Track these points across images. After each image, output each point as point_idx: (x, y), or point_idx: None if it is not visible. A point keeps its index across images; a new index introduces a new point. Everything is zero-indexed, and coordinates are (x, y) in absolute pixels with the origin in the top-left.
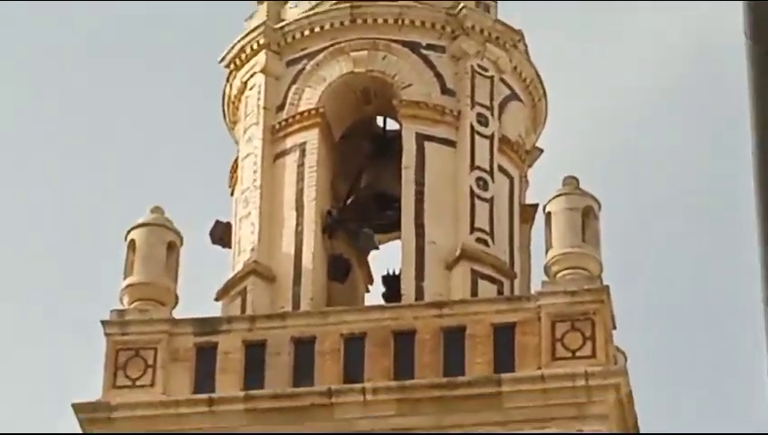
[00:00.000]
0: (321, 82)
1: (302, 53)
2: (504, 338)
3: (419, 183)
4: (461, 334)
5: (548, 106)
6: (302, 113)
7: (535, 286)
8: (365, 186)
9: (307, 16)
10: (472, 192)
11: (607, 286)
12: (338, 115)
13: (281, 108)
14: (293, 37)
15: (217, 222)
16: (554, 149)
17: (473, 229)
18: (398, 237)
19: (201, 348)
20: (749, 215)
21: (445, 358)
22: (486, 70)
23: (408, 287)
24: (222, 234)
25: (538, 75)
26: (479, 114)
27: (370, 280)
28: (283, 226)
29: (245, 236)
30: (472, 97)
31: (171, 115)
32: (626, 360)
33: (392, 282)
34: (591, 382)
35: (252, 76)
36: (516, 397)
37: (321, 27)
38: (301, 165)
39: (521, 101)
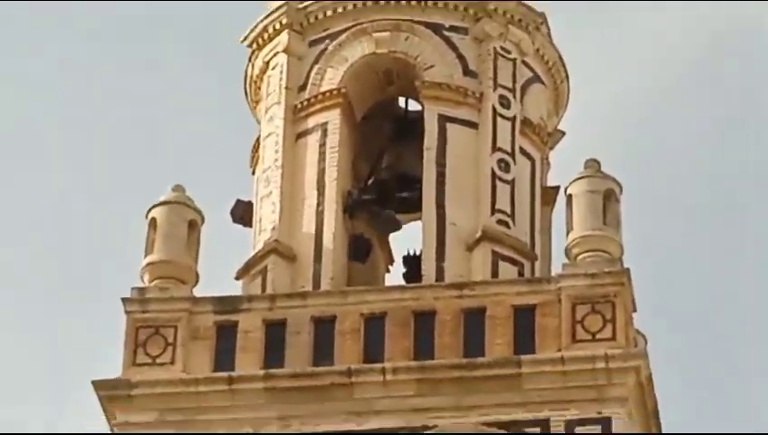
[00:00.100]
0: (343, 62)
1: (324, 34)
2: (524, 320)
3: (441, 164)
4: (481, 316)
5: (570, 89)
6: (323, 93)
7: (556, 269)
8: (386, 166)
9: None
10: (493, 174)
11: (627, 269)
12: (360, 96)
13: (303, 88)
14: (316, 17)
15: (238, 201)
16: (576, 132)
17: (494, 211)
18: (419, 218)
19: (221, 326)
20: None
21: (465, 339)
22: (509, 52)
23: (428, 268)
24: (243, 213)
25: (560, 58)
26: (501, 96)
27: (391, 260)
28: (303, 205)
29: (266, 215)
30: (494, 79)
31: (193, 94)
32: (646, 343)
33: (413, 262)
34: (611, 365)
35: (274, 56)
36: (536, 379)
37: (344, 8)
38: (322, 145)
39: (543, 83)
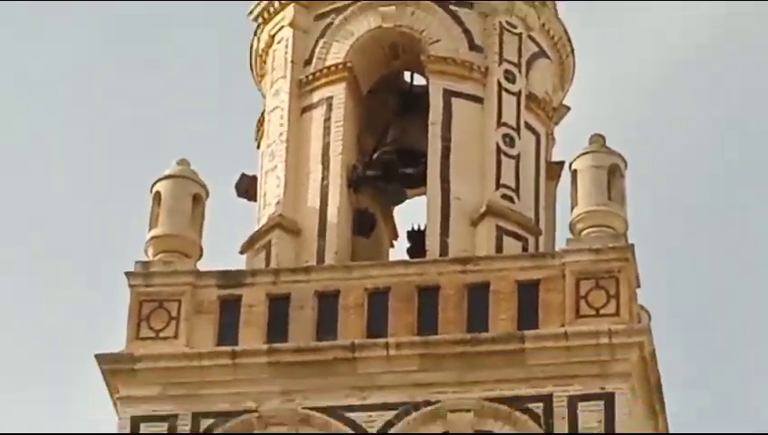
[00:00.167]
0: (348, 36)
1: (330, 8)
2: (527, 295)
3: (446, 139)
4: (485, 291)
5: (575, 64)
6: (329, 68)
7: (560, 244)
8: (391, 141)
9: None
10: (498, 149)
11: (632, 245)
12: (365, 70)
13: (308, 62)
14: None
15: (243, 175)
16: (581, 107)
17: (498, 186)
18: (424, 193)
19: (225, 301)
20: None
21: (468, 314)
22: (515, 26)
23: (432, 243)
24: (247, 187)
25: (566, 33)
26: (506, 71)
27: (395, 235)
28: (308, 180)
29: (271, 189)
30: (500, 53)
31: (198, 68)
32: (650, 318)
33: (417, 237)
34: (615, 340)
35: (279, 30)
36: (539, 354)
37: None
38: (327, 119)
39: (548, 58)
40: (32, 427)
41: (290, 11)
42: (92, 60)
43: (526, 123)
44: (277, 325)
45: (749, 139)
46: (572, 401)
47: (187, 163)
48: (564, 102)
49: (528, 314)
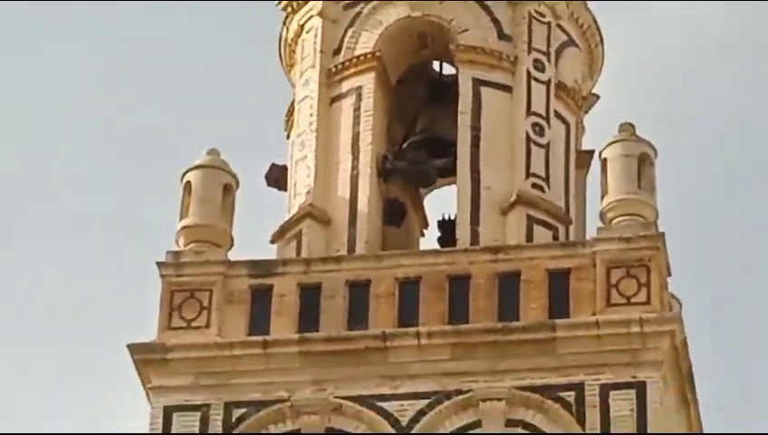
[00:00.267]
0: (377, 25)
1: None
2: (558, 284)
3: (475, 128)
4: (516, 280)
5: (605, 52)
6: (358, 57)
7: (590, 233)
8: (421, 130)
9: None
10: (528, 138)
11: (662, 233)
12: (394, 59)
13: (337, 51)
14: None
15: (273, 165)
16: (611, 96)
17: (528, 175)
18: (454, 182)
19: (256, 290)
20: None
21: (499, 303)
22: (544, 15)
23: (463, 232)
24: (278, 177)
25: (595, 21)
26: (536, 60)
27: (425, 224)
28: (338, 169)
29: (301, 179)
30: (529, 43)
31: (228, 58)
32: (681, 307)
33: (447, 227)
34: (646, 329)
35: (309, 19)
36: (570, 343)
37: None
38: (357, 109)
39: (577, 47)
40: (64, 417)
41: (319, 1)
42: (124, 50)
43: (556, 112)
44: (308, 315)
45: None
46: (604, 390)
47: (217, 153)
48: (594, 91)
49: (559, 303)
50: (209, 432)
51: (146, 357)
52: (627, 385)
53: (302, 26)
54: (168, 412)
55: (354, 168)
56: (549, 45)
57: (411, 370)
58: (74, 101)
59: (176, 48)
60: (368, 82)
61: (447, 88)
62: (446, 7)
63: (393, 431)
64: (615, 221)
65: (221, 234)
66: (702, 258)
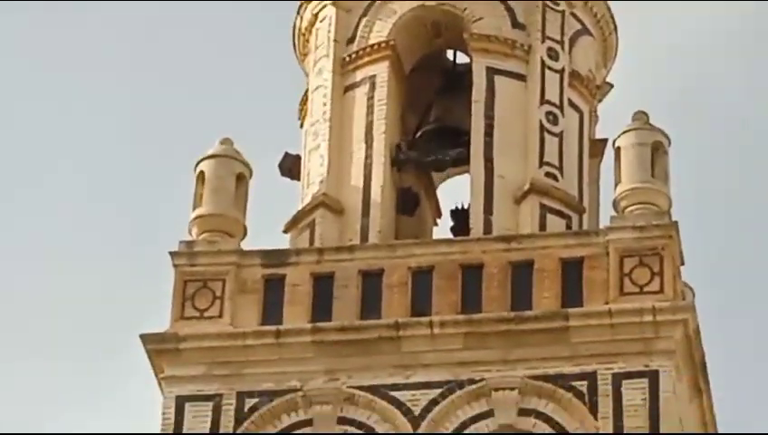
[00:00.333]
0: (391, 14)
1: None
2: (571, 273)
3: (489, 117)
4: (529, 269)
5: (618, 41)
6: (372, 46)
7: (604, 221)
8: (434, 119)
9: None
10: (541, 126)
11: (675, 222)
12: (408, 48)
13: (351, 40)
14: None
15: (287, 154)
16: (625, 85)
17: (542, 163)
18: (467, 171)
19: (269, 280)
20: None
21: (512, 292)
22: (557, 4)
23: (476, 221)
24: (291, 166)
25: (609, 10)
26: (549, 48)
27: (439, 214)
28: (352, 158)
29: (314, 168)
30: (542, 31)
31: (242, 47)
32: (694, 296)
33: (460, 216)
34: (659, 318)
35: (323, 8)
36: (583, 332)
37: None
38: (370, 98)
39: (591, 35)
40: (77, 407)
41: None
42: (136, 39)
43: (569, 101)
44: (321, 304)
45: None
46: (617, 379)
47: (230, 142)
48: (607, 80)
49: (572, 292)
50: (218, 431)
51: (159, 347)
52: (639, 374)
53: (315, 15)
54: (181, 402)
55: (367, 157)
56: (563, 34)
57: (424, 359)
58: (88, 91)
59: (189, 37)
60: (381, 71)
61: (461, 77)
62: None
63: (405, 420)
64: (628, 210)
65: (234, 223)
66: (715, 247)
